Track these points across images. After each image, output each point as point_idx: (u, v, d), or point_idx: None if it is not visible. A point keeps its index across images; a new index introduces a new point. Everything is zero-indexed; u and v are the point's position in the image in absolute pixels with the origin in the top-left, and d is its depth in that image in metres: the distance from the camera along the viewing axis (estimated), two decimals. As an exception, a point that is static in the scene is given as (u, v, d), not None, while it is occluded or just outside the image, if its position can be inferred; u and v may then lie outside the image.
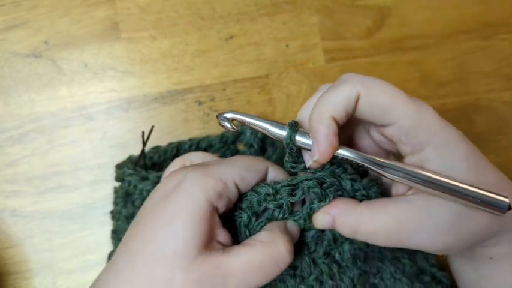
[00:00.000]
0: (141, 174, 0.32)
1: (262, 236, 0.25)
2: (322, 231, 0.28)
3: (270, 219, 0.26)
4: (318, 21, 0.39)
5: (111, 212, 0.36)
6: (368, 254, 0.31)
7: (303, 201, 0.27)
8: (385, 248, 0.32)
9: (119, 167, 0.34)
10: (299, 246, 0.28)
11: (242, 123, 0.26)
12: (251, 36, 0.39)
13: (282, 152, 0.36)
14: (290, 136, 0.25)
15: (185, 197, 0.24)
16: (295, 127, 0.25)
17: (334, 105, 0.24)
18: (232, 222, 0.27)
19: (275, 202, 0.26)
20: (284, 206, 0.26)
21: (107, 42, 0.38)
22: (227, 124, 0.26)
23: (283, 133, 0.25)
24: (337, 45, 0.39)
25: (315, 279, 0.29)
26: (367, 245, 0.30)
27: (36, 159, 0.37)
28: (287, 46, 0.39)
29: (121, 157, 0.37)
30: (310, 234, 0.28)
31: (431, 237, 0.24)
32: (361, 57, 0.39)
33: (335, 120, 0.24)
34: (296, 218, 0.26)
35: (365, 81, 0.24)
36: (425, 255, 0.34)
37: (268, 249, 0.24)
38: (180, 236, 0.22)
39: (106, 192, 0.37)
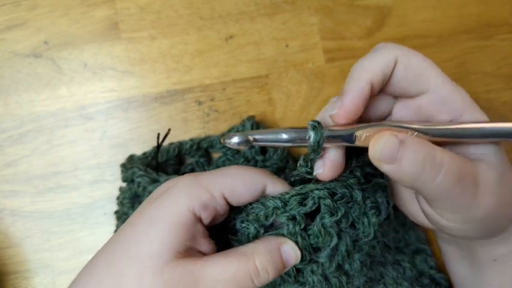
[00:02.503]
0: (151, 176, 0.32)
1: (244, 248, 0.24)
2: (337, 248, 0.26)
3: (280, 234, 0.25)
4: (317, 21, 0.39)
5: (116, 212, 0.35)
6: (373, 259, 0.31)
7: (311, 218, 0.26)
8: (387, 252, 0.32)
9: (126, 167, 0.34)
10: (311, 266, 0.27)
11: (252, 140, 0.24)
12: (251, 36, 0.39)
13: (284, 152, 0.36)
14: (318, 139, 0.23)
15: (169, 202, 0.24)
16: (319, 127, 0.23)
17: (373, 69, 0.24)
18: (235, 231, 0.27)
19: (286, 214, 0.25)
20: (298, 218, 0.25)
21: (106, 42, 0.38)
22: (236, 146, 0.24)
23: (303, 135, 0.23)
24: (337, 45, 0.39)
25: None
26: (374, 247, 0.29)
27: (35, 159, 0.37)
28: (287, 46, 0.39)
29: (120, 157, 0.37)
30: (323, 254, 0.26)
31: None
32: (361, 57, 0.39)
33: (372, 84, 0.23)
34: (310, 232, 0.25)
35: (402, 48, 0.24)
36: (425, 258, 0.34)
37: (244, 262, 0.23)
38: (156, 239, 0.22)
39: (105, 192, 0.36)
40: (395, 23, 0.40)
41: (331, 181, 0.25)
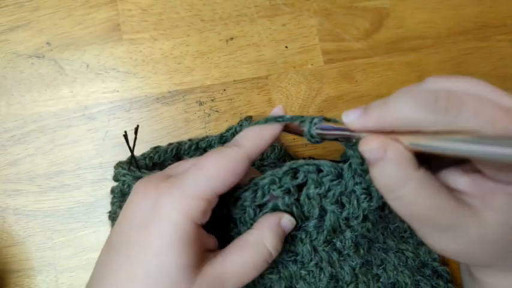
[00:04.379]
0: (134, 174, 0.32)
1: (253, 236, 0.25)
2: (323, 221, 0.28)
3: (275, 209, 0.27)
4: (316, 22, 0.40)
5: (108, 212, 0.36)
6: (372, 244, 0.32)
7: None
8: (390, 239, 0.33)
9: (116, 166, 0.35)
10: (301, 233, 0.29)
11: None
12: (251, 38, 0.39)
13: (281, 152, 0.37)
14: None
15: (170, 225, 0.22)
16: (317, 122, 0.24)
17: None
18: (224, 217, 0.28)
19: (282, 188, 0.27)
20: (292, 190, 0.27)
21: (108, 43, 0.39)
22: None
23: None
24: (335, 47, 0.40)
25: (314, 265, 0.30)
26: (369, 230, 0.30)
27: (38, 158, 0.37)
28: (286, 47, 0.39)
29: (123, 156, 0.37)
30: (311, 223, 0.28)
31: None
32: (360, 58, 0.40)
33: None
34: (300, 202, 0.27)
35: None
36: (429, 250, 0.34)
37: (259, 251, 0.25)
38: (174, 266, 0.22)
39: (108, 191, 0.37)
40: (393, 24, 0.41)
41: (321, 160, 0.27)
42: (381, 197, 0.27)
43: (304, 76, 0.39)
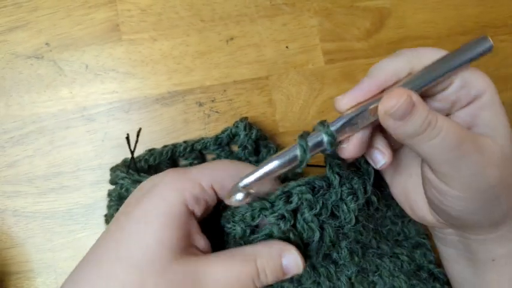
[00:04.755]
0: (133, 177, 0.32)
1: (247, 249, 0.24)
2: (322, 240, 0.27)
3: (269, 235, 0.26)
4: (317, 22, 0.40)
5: (105, 215, 0.36)
6: (366, 250, 0.31)
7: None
8: (384, 244, 0.33)
9: (113, 169, 0.35)
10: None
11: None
12: (251, 38, 0.39)
13: (276, 152, 0.36)
14: (303, 157, 0.23)
15: (159, 199, 0.23)
16: (304, 142, 0.23)
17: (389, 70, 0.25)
18: (219, 232, 0.27)
19: (275, 214, 0.25)
20: (287, 215, 0.25)
21: (107, 43, 0.38)
22: (241, 202, 0.25)
23: (291, 155, 0.24)
24: (336, 47, 0.40)
25: (313, 282, 0.29)
26: (361, 233, 0.29)
27: (37, 159, 0.37)
28: (287, 47, 0.39)
29: (122, 158, 0.37)
30: (312, 247, 0.27)
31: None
32: (361, 58, 0.40)
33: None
34: (298, 228, 0.26)
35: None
36: (424, 252, 0.34)
37: (246, 265, 0.23)
38: (153, 239, 0.22)
39: (107, 193, 0.37)
40: (394, 24, 0.40)
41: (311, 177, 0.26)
42: (365, 193, 0.27)
43: (305, 76, 0.39)
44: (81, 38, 0.38)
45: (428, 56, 0.24)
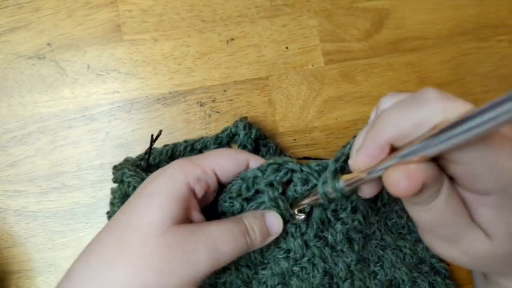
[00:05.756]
0: (141, 176, 0.33)
1: (234, 216, 0.27)
2: (310, 215, 0.29)
3: (262, 202, 0.27)
4: (317, 23, 0.40)
5: (108, 212, 0.36)
6: (369, 240, 0.32)
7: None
8: (388, 236, 0.33)
9: (116, 168, 0.35)
10: (290, 227, 0.29)
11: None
12: (251, 39, 0.39)
13: (275, 153, 0.37)
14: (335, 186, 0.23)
15: (166, 178, 0.26)
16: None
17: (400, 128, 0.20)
18: (221, 214, 0.29)
19: (264, 181, 0.27)
20: (275, 184, 0.27)
21: (109, 44, 0.39)
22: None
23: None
24: (336, 47, 0.40)
25: (307, 261, 0.30)
26: (361, 223, 0.30)
27: (39, 159, 0.37)
28: (287, 48, 0.39)
29: (123, 157, 0.37)
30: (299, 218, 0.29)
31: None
32: (360, 59, 0.40)
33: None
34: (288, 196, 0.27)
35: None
36: (427, 246, 0.34)
37: (237, 222, 0.26)
38: (156, 209, 0.24)
39: (108, 192, 0.37)
40: (393, 25, 0.41)
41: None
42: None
43: (305, 77, 0.39)
44: (83, 39, 0.39)
45: (458, 110, 0.18)
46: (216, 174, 0.27)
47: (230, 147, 0.37)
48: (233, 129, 0.36)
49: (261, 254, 0.30)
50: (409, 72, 0.40)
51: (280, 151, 0.38)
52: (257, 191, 0.28)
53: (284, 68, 0.39)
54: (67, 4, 0.39)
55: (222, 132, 0.36)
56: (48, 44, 0.38)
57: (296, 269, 0.30)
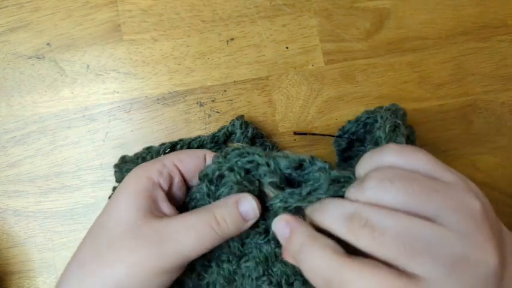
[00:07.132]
0: None
1: (207, 205, 0.28)
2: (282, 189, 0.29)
3: (230, 188, 0.27)
4: (317, 23, 0.40)
5: None
6: None
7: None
8: None
9: (119, 167, 0.35)
10: (268, 213, 0.28)
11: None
12: (251, 39, 0.39)
13: (273, 150, 0.37)
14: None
15: (128, 177, 0.29)
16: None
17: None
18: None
19: (228, 165, 0.27)
20: (235, 168, 0.27)
21: (109, 44, 0.39)
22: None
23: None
24: (336, 47, 0.40)
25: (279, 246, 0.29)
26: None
27: (38, 159, 0.37)
28: (287, 48, 0.39)
29: (123, 158, 0.37)
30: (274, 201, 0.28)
31: None
32: (360, 59, 0.40)
33: None
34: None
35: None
36: None
37: (204, 214, 0.27)
38: (123, 205, 0.27)
39: (108, 192, 0.37)
40: (394, 25, 0.41)
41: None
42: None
43: (305, 77, 0.39)
44: (82, 39, 0.38)
45: None
46: (176, 167, 0.29)
47: (227, 146, 0.37)
48: (230, 128, 0.36)
49: (241, 242, 0.30)
50: (409, 72, 0.40)
51: (277, 150, 0.38)
52: (221, 176, 0.28)
53: (284, 68, 0.39)
54: (66, 4, 0.39)
55: (219, 130, 0.36)
56: (48, 44, 0.38)
57: (278, 251, 0.29)
